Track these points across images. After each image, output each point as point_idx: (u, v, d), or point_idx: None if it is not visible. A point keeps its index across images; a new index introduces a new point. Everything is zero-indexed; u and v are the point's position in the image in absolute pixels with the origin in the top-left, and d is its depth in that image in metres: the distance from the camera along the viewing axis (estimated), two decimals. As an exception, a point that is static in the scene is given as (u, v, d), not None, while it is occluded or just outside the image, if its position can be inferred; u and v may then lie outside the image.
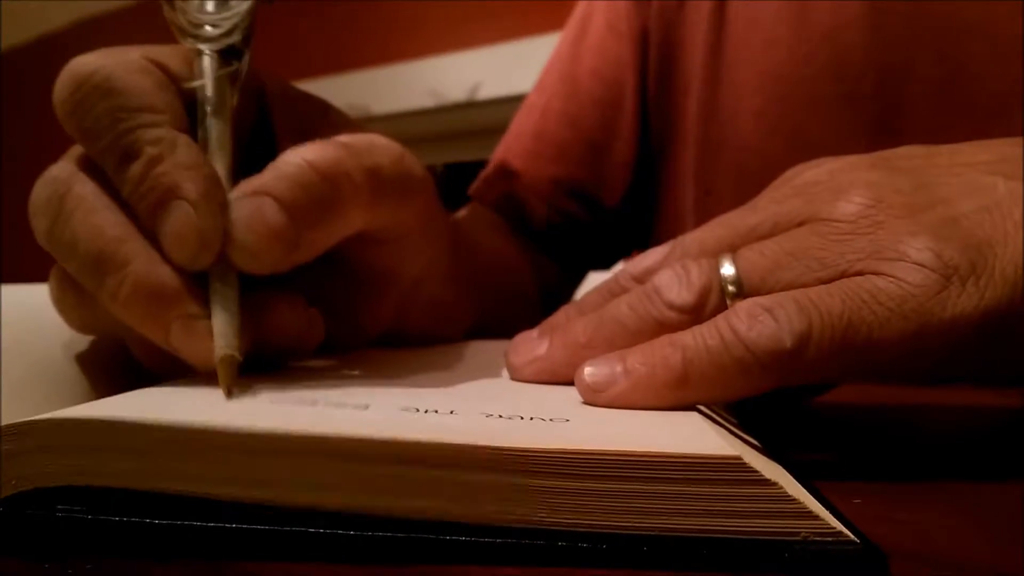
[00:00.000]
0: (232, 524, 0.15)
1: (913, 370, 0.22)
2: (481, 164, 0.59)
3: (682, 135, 0.52)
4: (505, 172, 0.56)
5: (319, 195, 0.22)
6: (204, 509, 0.16)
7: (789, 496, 0.15)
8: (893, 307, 0.21)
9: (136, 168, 0.21)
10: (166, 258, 0.21)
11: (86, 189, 0.22)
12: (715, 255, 0.25)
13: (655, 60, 0.53)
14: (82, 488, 0.16)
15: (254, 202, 0.21)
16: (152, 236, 0.21)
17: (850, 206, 0.23)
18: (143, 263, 0.21)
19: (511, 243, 0.55)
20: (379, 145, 0.25)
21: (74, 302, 0.23)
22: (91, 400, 0.18)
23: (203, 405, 0.18)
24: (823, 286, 0.22)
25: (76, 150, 0.23)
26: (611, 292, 0.27)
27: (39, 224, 0.22)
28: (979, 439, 0.29)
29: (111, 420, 0.16)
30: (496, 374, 0.27)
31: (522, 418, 0.18)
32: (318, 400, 0.19)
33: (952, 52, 0.41)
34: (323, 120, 0.28)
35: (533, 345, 0.26)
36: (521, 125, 0.58)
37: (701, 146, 0.50)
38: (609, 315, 0.24)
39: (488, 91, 1.77)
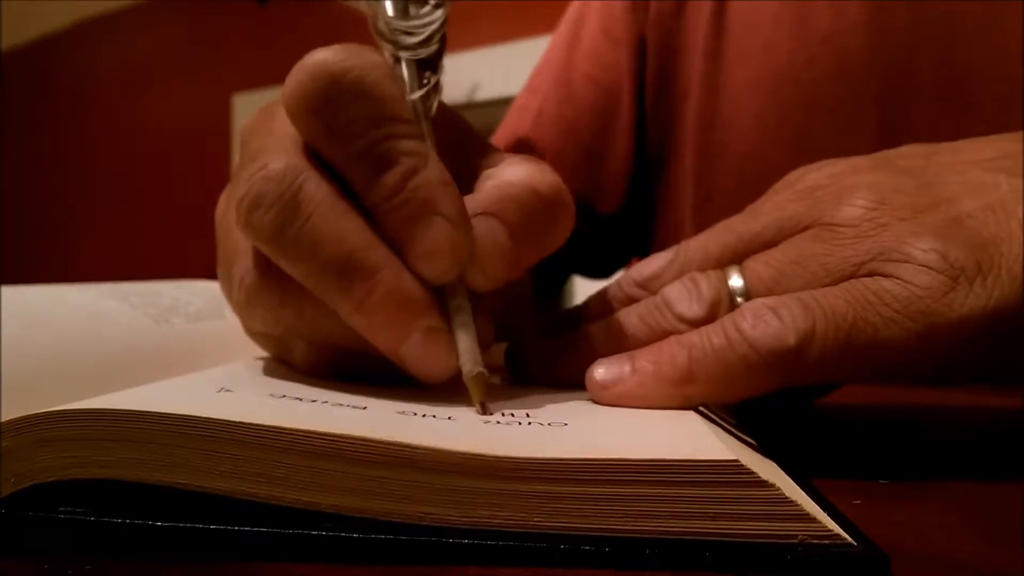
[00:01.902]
0: (233, 526, 0.15)
1: (919, 370, 0.22)
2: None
3: (681, 141, 0.52)
4: None
5: (540, 218, 0.22)
6: (204, 510, 0.16)
7: (786, 499, 0.15)
8: (899, 308, 0.21)
9: (391, 178, 0.20)
10: (410, 270, 0.21)
11: (322, 189, 0.21)
12: (720, 262, 0.25)
13: (653, 66, 0.53)
14: (82, 488, 0.16)
15: (488, 223, 0.21)
16: (391, 245, 0.21)
17: (853, 209, 0.23)
18: (393, 272, 0.20)
19: None
20: (551, 168, 0.25)
21: (277, 302, 0.22)
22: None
23: (203, 398, 0.18)
24: (829, 287, 0.22)
25: (281, 142, 0.22)
26: (615, 298, 0.27)
27: (264, 219, 0.20)
28: (979, 440, 0.29)
29: (110, 411, 0.16)
30: (496, 375, 0.27)
31: (520, 423, 0.18)
32: (317, 397, 0.19)
33: (955, 54, 0.41)
34: (473, 134, 0.27)
35: (538, 349, 0.26)
36: (515, 129, 0.57)
37: (700, 152, 0.50)
38: (618, 324, 0.25)
39: (487, 92, 1.78)
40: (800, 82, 0.45)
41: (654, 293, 0.25)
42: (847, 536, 0.15)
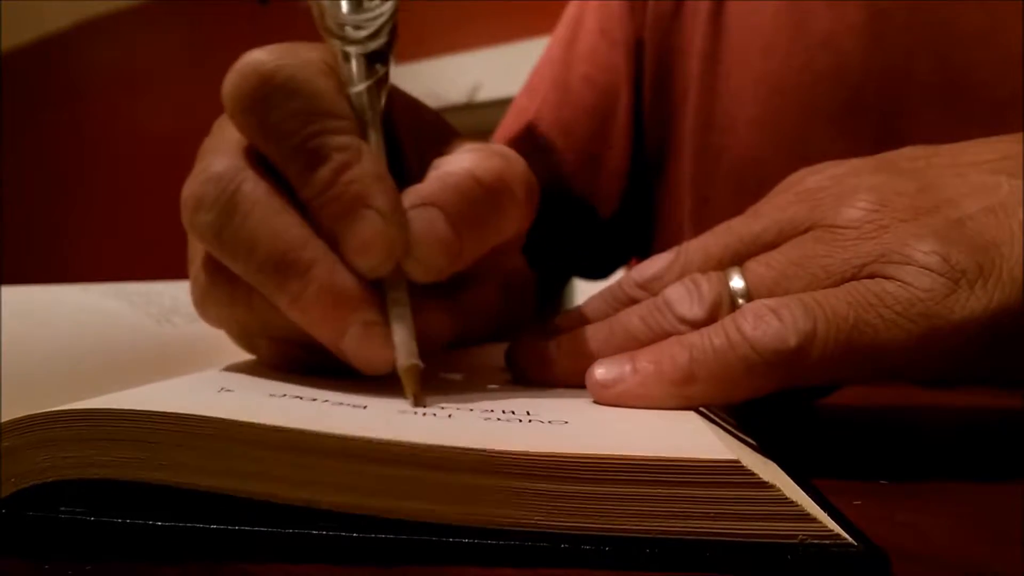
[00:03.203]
0: (232, 526, 0.15)
1: (919, 372, 0.22)
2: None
3: (679, 143, 0.52)
4: None
5: (482, 207, 0.22)
6: (204, 510, 0.16)
7: (786, 499, 0.15)
8: (900, 311, 0.21)
9: (324, 173, 0.21)
10: (345, 263, 0.21)
11: (259, 188, 0.21)
12: (721, 264, 0.25)
13: (650, 68, 0.53)
14: (83, 489, 0.16)
15: (425, 214, 0.21)
16: (327, 240, 0.21)
17: (854, 211, 0.23)
18: (326, 267, 0.21)
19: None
20: (516, 155, 0.25)
21: (227, 300, 0.23)
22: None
23: (204, 397, 0.18)
24: (830, 289, 0.22)
25: (225, 144, 0.22)
26: (616, 299, 0.27)
27: (205, 220, 0.21)
28: (980, 441, 0.29)
29: (111, 411, 0.16)
30: (495, 374, 0.27)
31: (520, 420, 0.18)
32: (317, 396, 0.19)
33: (953, 58, 0.41)
34: (442, 125, 0.27)
35: (539, 349, 0.26)
36: (513, 130, 0.57)
37: (698, 154, 0.50)
38: (619, 325, 0.25)
39: (487, 93, 1.78)
40: (798, 85, 0.45)
41: (655, 294, 0.25)
42: (848, 536, 0.15)
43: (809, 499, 0.16)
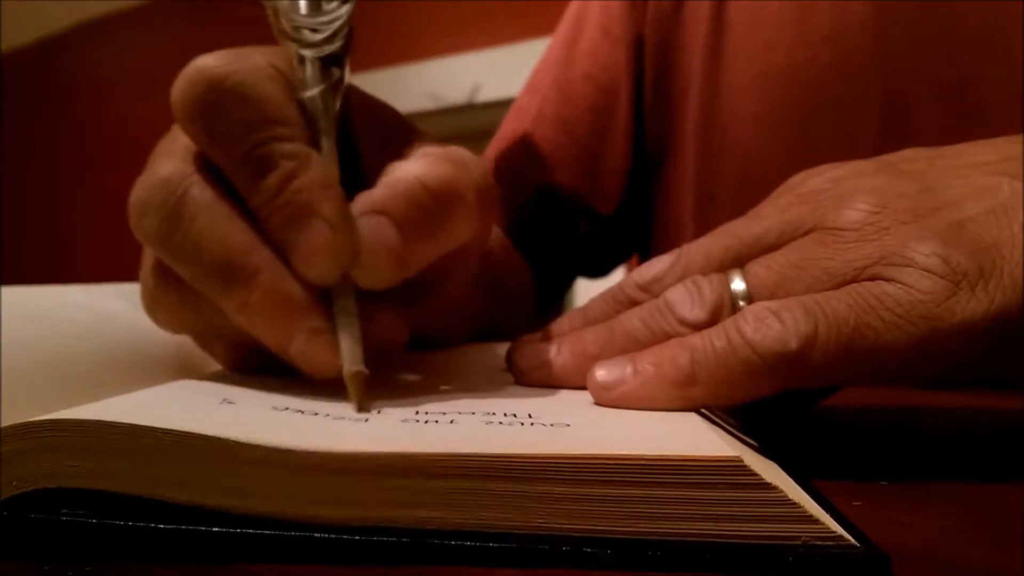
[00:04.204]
0: (233, 528, 0.15)
1: (920, 374, 0.22)
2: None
3: (681, 141, 0.52)
4: (501, 178, 0.55)
5: (431, 213, 0.22)
6: (205, 513, 0.16)
7: (789, 500, 0.15)
8: (901, 313, 0.21)
9: (271, 181, 0.21)
10: (291, 270, 0.21)
11: (206, 194, 0.21)
12: (722, 266, 0.25)
13: (651, 65, 0.53)
14: (84, 490, 0.16)
15: (373, 221, 0.21)
16: (275, 247, 0.21)
17: (855, 213, 0.23)
18: (272, 274, 0.21)
19: (511, 246, 0.55)
20: (473, 159, 0.25)
21: (176, 304, 0.23)
22: (93, 401, 0.18)
23: (205, 412, 0.18)
24: (831, 291, 0.22)
25: (175, 148, 0.22)
26: (617, 300, 0.27)
27: (151, 224, 0.21)
28: (980, 441, 0.29)
29: (108, 423, 0.16)
30: (495, 377, 0.27)
31: (523, 423, 0.18)
32: (319, 410, 0.19)
33: (959, 54, 0.41)
34: (402, 127, 0.27)
35: (540, 350, 0.26)
36: (515, 129, 0.57)
37: (701, 152, 0.50)
38: (620, 327, 0.25)
39: (487, 93, 1.78)
40: (802, 82, 0.45)
41: (656, 296, 0.25)
42: (850, 537, 0.15)
43: (811, 500, 0.16)
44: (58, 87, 2.80)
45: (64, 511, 0.16)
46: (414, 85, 1.88)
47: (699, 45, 0.50)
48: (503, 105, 0.64)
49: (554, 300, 0.59)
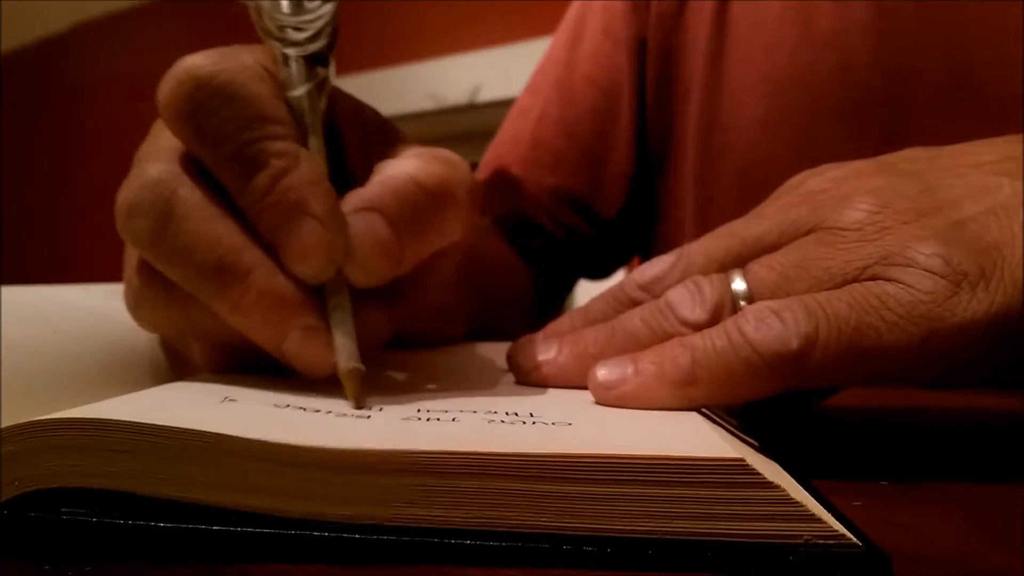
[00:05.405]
0: (234, 527, 0.15)
1: (921, 374, 0.22)
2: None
3: (682, 143, 0.52)
4: (503, 180, 0.55)
5: (424, 211, 0.22)
6: (205, 512, 0.16)
7: (791, 499, 0.15)
8: (902, 313, 0.21)
9: (261, 180, 0.21)
10: (283, 268, 0.21)
11: (195, 194, 0.21)
12: (723, 266, 0.25)
13: (653, 67, 0.53)
14: (84, 489, 0.16)
15: (366, 219, 0.21)
16: (266, 245, 0.21)
17: (856, 213, 0.23)
18: (265, 273, 0.21)
19: (507, 248, 0.55)
20: (461, 160, 0.25)
21: (163, 303, 0.23)
22: (93, 401, 0.18)
23: (207, 410, 0.18)
24: (832, 291, 0.22)
25: (160, 149, 0.22)
26: (618, 300, 0.27)
27: (141, 226, 0.21)
28: (980, 442, 0.29)
29: (109, 421, 0.16)
30: (497, 376, 0.27)
31: (524, 422, 0.18)
32: (321, 407, 0.19)
33: (959, 55, 0.41)
34: (385, 128, 0.27)
35: (540, 350, 0.26)
36: (517, 130, 0.57)
37: (702, 154, 0.50)
38: (621, 327, 0.25)
39: (488, 94, 1.78)
40: (803, 83, 0.45)
41: (657, 296, 0.25)
42: (852, 536, 0.15)
43: (812, 499, 0.16)
44: (58, 87, 2.80)
45: (64, 511, 0.16)
46: (414, 85, 1.88)
47: (701, 47, 0.50)
48: (504, 105, 0.64)
49: (555, 301, 0.59)
